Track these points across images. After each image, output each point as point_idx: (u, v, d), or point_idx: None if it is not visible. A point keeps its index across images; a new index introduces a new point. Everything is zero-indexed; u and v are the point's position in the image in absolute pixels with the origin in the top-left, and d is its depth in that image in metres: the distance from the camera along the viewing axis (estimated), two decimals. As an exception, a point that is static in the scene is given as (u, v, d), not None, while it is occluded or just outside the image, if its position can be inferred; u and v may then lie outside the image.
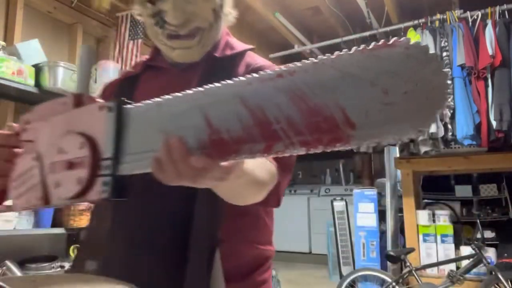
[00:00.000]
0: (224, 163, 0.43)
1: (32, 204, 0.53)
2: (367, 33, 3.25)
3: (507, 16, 2.72)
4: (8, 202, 0.58)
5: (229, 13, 0.81)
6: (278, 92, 0.38)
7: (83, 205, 2.34)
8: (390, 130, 0.34)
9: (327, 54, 0.37)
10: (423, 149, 2.77)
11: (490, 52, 2.59)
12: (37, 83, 2.24)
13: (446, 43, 2.79)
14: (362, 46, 0.35)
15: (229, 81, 0.42)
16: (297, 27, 3.49)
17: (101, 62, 2.66)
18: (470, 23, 2.81)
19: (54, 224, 2.29)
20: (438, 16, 2.93)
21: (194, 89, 0.44)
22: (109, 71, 2.57)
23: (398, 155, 3.35)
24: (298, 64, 0.38)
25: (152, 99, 0.46)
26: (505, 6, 2.72)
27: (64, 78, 2.27)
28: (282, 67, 0.39)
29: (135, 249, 0.71)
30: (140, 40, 2.94)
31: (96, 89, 2.49)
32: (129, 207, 0.65)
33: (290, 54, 3.65)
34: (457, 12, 2.90)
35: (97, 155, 0.47)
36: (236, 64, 0.78)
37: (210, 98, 0.43)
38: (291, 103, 0.38)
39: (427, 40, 2.85)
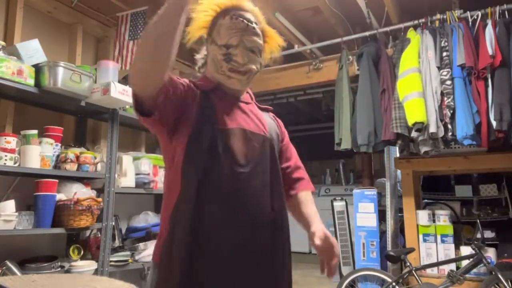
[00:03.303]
0: None
1: None
2: (367, 33, 3.25)
3: (507, 16, 2.71)
4: None
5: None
6: None
7: (83, 205, 2.34)
8: None
9: None
10: (423, 149, 2.77)
11: (490, 52, 2.58)
12: (37, 83, 2.24)
13: (446, 43, 2.79)
14: None
15: None
16: (297, 27, 3.48)
17: (101, 62, 2.66)
18: (470, 23, 2.80)
19: (54, 224, 2.29)
20: (438, 16, 2.92)
21: None
22: (109, 71, 2.57)
23: (398, 155, 3.35)
24: None
25: None
26: (505, 6, 2.72)
27: (64, 78, 2.27)
28: None
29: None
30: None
31: (96, 89, 2.49)
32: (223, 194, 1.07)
33: (290, 54, 3.64)
34: (457, 12, 2.89)
35: None
36: (272, 116, 1.34)
37: None
38: None
39: (427, 40, 2.85)
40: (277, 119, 1.36)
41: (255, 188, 1.09)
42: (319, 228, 1.18)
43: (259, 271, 1.07)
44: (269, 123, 1.26)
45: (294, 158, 1.35)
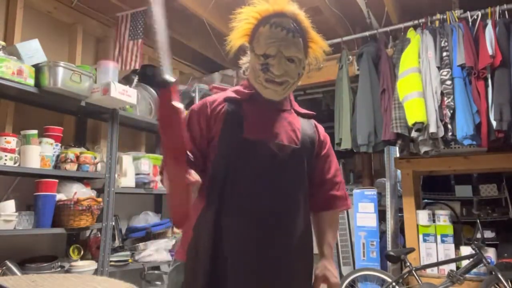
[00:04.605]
0: None
1: None
2: (367, 33, 3.25)
3: (507, 16, 2.71)
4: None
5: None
6: None
7: (83, 205, 2.34)
8: None
9: None
10: (423, 149, 2.77)
11: (490, 52, 2.58)
12: (37, 83, 2.23)
13: (446, 43, 2.79)
14: None
15: None
16: (297, 27, 3.47)
17: (101, 62, 2.66)
18: (470, 23, 2.80)
19: (54, 224, 2.29)
20: (438, 16, 2.92)
21: None
22: (109, 71, 2.57)
23: (398, 155, 3.35)
24: None
25: None
26: (505, 6, 2.72)
27: (64, 78, 2.26)
28: None
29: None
30: (140, 40, 2.93)
31: (96, 89, 2.49)
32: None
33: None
34: (457, 12, 2.89)
35: None
36: (313, 123, 1.32)
37: None
38: None
39: (427, 40, 2.85)
40: (318, 126, 1.33)
41: (274, 201, 1.12)
42: (320, 271, 1.19)
43: (274, 277, 1.10)
44: (304, 132, 1.24)
45: (332, 171, 1.30)
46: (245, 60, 1.28)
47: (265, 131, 1.16)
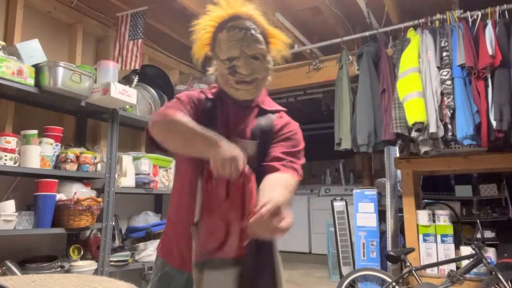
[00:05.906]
0: None
1: None
2: (367, 33, 3.25)
3: (507, 16, 2.72)
4: None
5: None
6: None
7: (83, 205, 2.34)
8: None
9: None
10: (423, 149, 2.77)
11: (490, 52, 2.59)
12: (37, 83, 2.24)
13: (446, 43, 2.79)
14: None
15: None
16: (297, 27, 3.48)
17: (101, 62, 2.66)
18: (470, 23, 2.81)
19: (54, 224, 2.29)
20: (438, 16, 2.93)
21: None
22: (109, 71, 2.57)
23: (398, 155, 3.35)
24: None
25: None
26: (505, 6, 2.72)
27: (64, 78, 2.27)
28: None
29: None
30: (140, 40, 2.94)
31: (96, 89, 2.49)
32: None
33: (290, 54, 3.65)
34: (457, 12, 2.90)
35: None
36: (273, 117, 1.26)
37: None
38: None
39: (427, 40, 2.85)
40: (280, 119, 1.26)
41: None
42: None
43: None
44: (256, 128, 1.19)
45: (277, 150, 1.18)
46: (212, 70, 1.28)
47: (224, 131, 1.12)
